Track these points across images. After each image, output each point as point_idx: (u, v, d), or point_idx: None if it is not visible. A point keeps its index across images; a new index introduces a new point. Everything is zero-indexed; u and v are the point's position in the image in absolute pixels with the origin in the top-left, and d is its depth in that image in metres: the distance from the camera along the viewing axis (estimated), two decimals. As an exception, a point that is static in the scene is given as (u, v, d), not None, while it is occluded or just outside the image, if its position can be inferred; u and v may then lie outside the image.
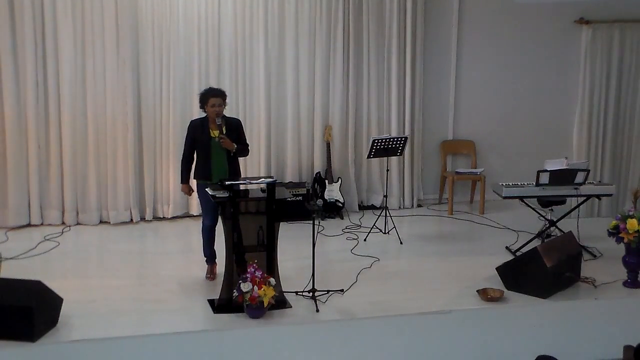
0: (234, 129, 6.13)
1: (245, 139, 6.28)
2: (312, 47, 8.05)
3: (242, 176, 6.39)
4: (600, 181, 8.04)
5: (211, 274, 6.21)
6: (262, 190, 5.77)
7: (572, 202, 7.30)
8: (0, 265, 5.78)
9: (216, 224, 6.10)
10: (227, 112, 7.60)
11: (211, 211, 6.03)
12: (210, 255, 6.24)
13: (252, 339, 5.33)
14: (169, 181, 7.87)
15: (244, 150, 6.22)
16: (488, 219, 8.11)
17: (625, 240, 6.02)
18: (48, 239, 7.21)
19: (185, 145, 6.19)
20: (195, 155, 6.16)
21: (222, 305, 5.61)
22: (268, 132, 8.06)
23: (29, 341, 4.96)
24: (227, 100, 6.17)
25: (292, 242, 6.75)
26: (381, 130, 8.34)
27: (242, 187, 5.97)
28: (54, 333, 5.15)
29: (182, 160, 6.22)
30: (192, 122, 6.21)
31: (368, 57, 8.22)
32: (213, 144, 6.01)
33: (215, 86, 7.69)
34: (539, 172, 6.82)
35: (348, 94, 8.23)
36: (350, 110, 8.27)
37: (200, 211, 7.82)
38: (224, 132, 6.02)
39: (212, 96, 6.02)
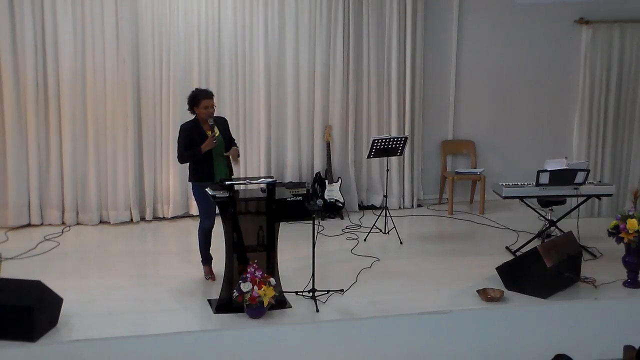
0: (224, 127, 6.15)
1: (231, 135, 6.27)
2: (312, 47, 8.05)
3: (234, 175, 6.34)
4: (600, 181, 8.04)
5: (210, 275, 6.20)
6: (262, 190, 5.77)
7: (572, 202, 7.29)
8: (0, 265, 5.78)
9: (213, 227, 6.11)
10: (229, 112, 7.68)
11: (211, 213, 6.02)
12: (206, 257, 6.22)
13: (252, 339, 5.33)
14: (169, 181, 7.87)
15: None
16: (488, 219, 8.11)
17: (625, 240, 6.02)
18: (48, 239, 7.20)
19: (179, 146, 6.07)
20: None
21: (222, 305, 5.61)
22: (268, 132, 8.06)
23: (29, 341, 4.96)
24: (215, 100, 6.16)
25: (292, 242, 6.75)
26: (381, 130, 8.34)
27: (242, 187, 5.97)
28: (54, 333, 5.15)
29: (180, 157, 6.11)
30: (183, 125, 6.10)
31: (368, 57, 8.22)
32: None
33: (215, 87, 7.74)
34: (539, 172, 6.82)
35: (348, 94, 8.23)
36: (350, 110, 8.27)
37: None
38: (216, 132, 5.98)
39: (204, 98, 5.97)
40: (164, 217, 7.94)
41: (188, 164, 6.14)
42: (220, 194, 5.65)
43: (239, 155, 6.12)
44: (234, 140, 6.29)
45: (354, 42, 8.14)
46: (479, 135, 8.68)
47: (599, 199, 7.56)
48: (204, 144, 5.93)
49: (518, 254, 6.73)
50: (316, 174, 8.20)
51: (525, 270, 5.99)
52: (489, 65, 8.57)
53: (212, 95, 6.07)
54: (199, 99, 5.97)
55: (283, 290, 5.75)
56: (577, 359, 4.99)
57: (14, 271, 5.85)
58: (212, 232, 6.20)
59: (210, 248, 6.24)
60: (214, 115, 6.12)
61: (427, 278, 6.38)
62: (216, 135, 5.99)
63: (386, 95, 8.33)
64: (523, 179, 7.15)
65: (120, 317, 5.45)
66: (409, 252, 7.12)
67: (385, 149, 7.40)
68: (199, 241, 6.20)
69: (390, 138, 7.45)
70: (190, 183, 6.19)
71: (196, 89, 6.20)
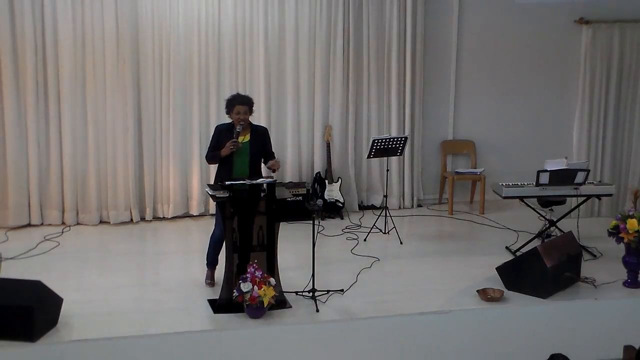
0: (260, 137, 6.06)
1: (271, 148, 6.18)
2: (312, 47, 8.05)
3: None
4: (600, 181, 8.04)
5: (211, 280, 6.09)
6: (262, 190, 5.76)
7: (572, 202, 7.30)
8: (0, 265, 5.78)
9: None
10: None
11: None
12: (212, 261, 6.10)
13: (252, 339, 5.33)
14: (169, 181, 7.87)
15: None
16: (488, 219, 8.11)
17: (625, 240, 6.01)
18: (48, 239, 7.20)
19: (209, 147, 6.09)
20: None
21: (222, 305, 5.60)
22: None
23: (29, 341, 4.96)
24: (254, 108, 6.08)
25: (292, 242, 6.75)
26: (381, 130, 8.34)
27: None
28: (54, 333, 5.15)
29: (206, 156, 6.15)
30: (218, 126, 6.14)
31: (368, 56, 8.21)
32: (236, 150, 5.90)
33: (215, 86, 7.75)
34: (539, 172, 6.82)
35: (348, 94, 8.23)
36: (350, 110, 8.27)
37: (200, 212, 7.92)
38: (239, 139, 5.89)
39: (238, 104, 5.94)
40: (164, 217, 7.93)
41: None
42: (220, 194, 5.65)
43: (277, 167, 6.03)
44: (273, 154, 6.16)
45: (354, 42, 8.13)
46: (479, 135, 8.68)
47: (599, 199, 7.56)
48: (223, 149, 5.90)
49: (518, 254, 6.73)
50: (316, 174, 8.20)
51: (525, 270, 5.99)
52: (489, 65, 8.57)
53: (247, 102, 5.99)
54: (234, 104, 5.96)
55: (283, 290, 5.75)
56: (577, 359, 5.00)
57: (14, 271, 5.84)
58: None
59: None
60: (255, 124, 6.12)
61: (427, 278, 6.38)
62: (239, 142, 5.90)
63: (386, 95, 8.33)
64: (523, 179, 7.15)
65: (120, 317, 5.45)
66: (409, 252, 7.12)
67: (385, 149, 7.40)
68: (209, 245, 6.08)
69: (390, 138, 7.45)
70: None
71: (236, 93, 6.17)
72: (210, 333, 5.34)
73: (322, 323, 5.51)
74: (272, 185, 5.74)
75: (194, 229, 7.70)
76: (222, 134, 6.00)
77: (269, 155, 6.12)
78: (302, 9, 7.94)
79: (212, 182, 6.48)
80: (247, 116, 5.97)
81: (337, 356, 5.33)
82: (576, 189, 6.88)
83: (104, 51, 7.50)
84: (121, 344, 5.11)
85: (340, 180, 8.17)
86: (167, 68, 7.70)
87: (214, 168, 6.38)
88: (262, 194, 5.73)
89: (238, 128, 5.92)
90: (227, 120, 6.11)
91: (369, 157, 7.47)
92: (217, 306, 5.62)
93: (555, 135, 8.74)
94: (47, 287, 5.20)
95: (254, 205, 5.69)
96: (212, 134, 6.16)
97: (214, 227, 6.07)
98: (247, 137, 6.00)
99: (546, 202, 7.08)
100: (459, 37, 8.47)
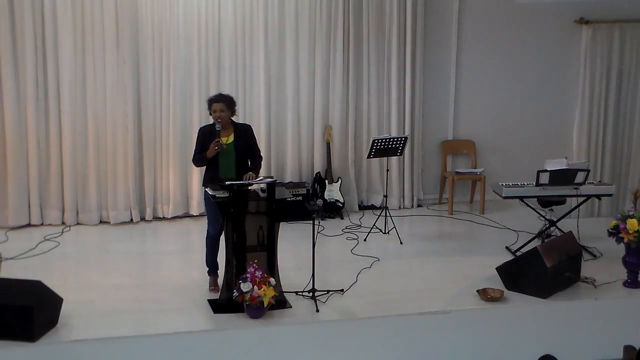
0: (243, 135, 5.99)
1: (257, 146, 6.13)
2: (312, 47, 8.05)
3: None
4: (600, 181, 8.04)
5: (214, 286, 6.01)
6: (262, 191, 5.76)
7: (572, 202, 7.30)
8: (0, 265, 5.79)
9: (221, 234, 5.89)
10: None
11: (216, 220, 5.85)
12: (212, 265, 6.05)
13: (252, 339, 5.33)
14: (169, 181, 7.87)
15: (258, 165, 6.08)
16: (488, 219, 8.11)
17: (625, 240, 6.02)
18: (48, 239, 7.20)
19: (195, 150, 6.05)
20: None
21: (222, 305, 5.61)
22: (268, 132, 8.05)
23: (29, 341, 4.96)
24: (235, 108, 6.04)
25: (292, 242, 6.75)
26: (381, 130, 8.34)
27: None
28: (54, 333, 5.16)
29: (192, 159, 6.12)
30: (201, 128, 6.11)
31: (368, 57, 8.21)
32: (221, 151, 5.86)
33: (215, 86, 7.74)
34: (539, 172, 6.82)
35: (348, 94, 8.23)
36: (350, 110, 8.27)
37: (200, 212, 7.91)
38: (223, 141, 5.86)
39: (214, 102, 5.91)
40: (164, 217, 7.93)
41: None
42: (220, 194, 5.65)
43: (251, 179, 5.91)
44: (259, 152, 6.11)
45: (354, 42, 8.13)
46: (479, 135, 8.68)
47: (599, 199, 7.56)
48: (208, 150, 5.87)
49: (518, 254, 6.73)
50: (316, 174, 8.20)
51: (525, 270, 5.99)
52: (489, 65, 8.57)
53: (223, 99, 5.92)
54: (210, 103, 5.94)
55: (283, 290, 5.75)
56: (577, 359, 5.01)
57: (14, 271, 5.85)
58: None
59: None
60: (237, 122, 6.09)
61: (427, 278, 6.38)
62: (223, 143, 5.86)
63: (386, 95, 8.33)
64: (523, 179, 7.15)
65: (120, 317, 5.45)
66: (409, 252, 7.12)
67: (385, 149, 7.40)
68: (206, 249, 6.03)
69: (390, 138, 7.45)
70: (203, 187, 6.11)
71: (217, 93, 6.13)
72: (210, 333, 5.35)
73: (322, 323, 5.51)
74: (272, 185, 5.74)
75: (194, 229, 7.70)
76: (206, 135, 5.95)
77: (254, 154, 6.07)
78: (302, 9, 7.94)
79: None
80: (223, 114, 5.88)
81: (337, 356, 5.33)
82: (576, 189, 6.88)
83: (104, 51, 7.50)
84: (121, 344, 5.11)
85: (340, 180, 8.17)
86: (167, 68, 7.70)
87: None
88: (263, 194, 5.75)
89: (217, 127, 5.87)
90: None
91: (369, 157, 7.47)
92: (217, 306, 5.62)
93: (555, 135, 8.74)
94: (47, 287, 5.20)
95: (247, 205, 5.69)
96: (196, 136, 6.07)
97: (207, 226, 6.04)
98: (231, 138, 5.94)
99: (546, 202, 7.08)
100: (459, 36, 8.47)
